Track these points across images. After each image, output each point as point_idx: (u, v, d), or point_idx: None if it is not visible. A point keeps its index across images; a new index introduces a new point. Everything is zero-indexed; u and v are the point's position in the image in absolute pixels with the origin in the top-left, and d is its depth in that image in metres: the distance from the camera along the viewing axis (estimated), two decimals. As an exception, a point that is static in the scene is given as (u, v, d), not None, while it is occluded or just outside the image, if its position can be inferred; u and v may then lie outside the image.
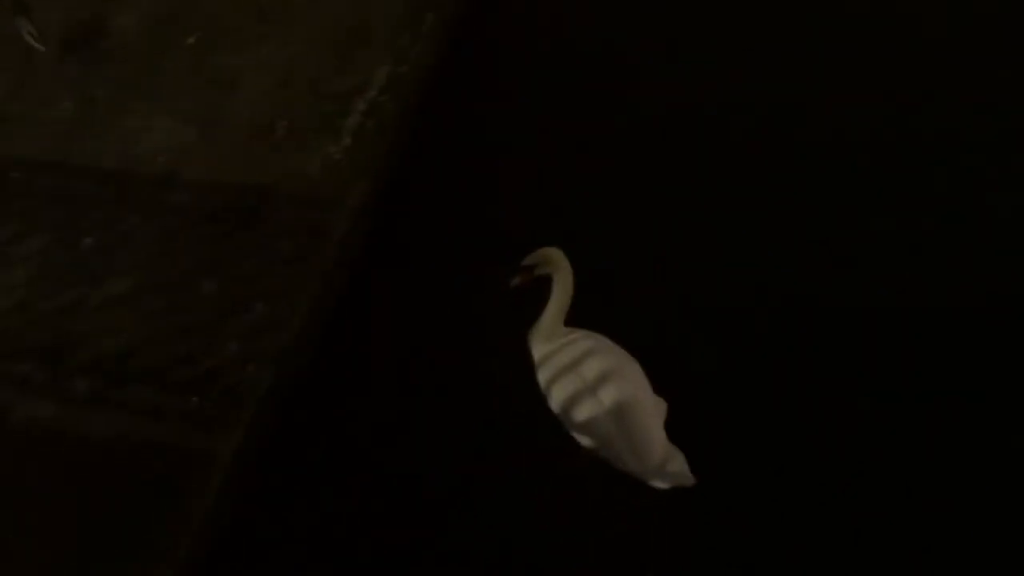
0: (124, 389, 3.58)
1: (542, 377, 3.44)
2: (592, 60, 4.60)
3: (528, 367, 3.45)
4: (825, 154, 4.22)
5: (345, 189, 4.02)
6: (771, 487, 3.40)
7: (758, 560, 3.28)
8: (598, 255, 3.75)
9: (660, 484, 3.26)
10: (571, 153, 4.23)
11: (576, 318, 3.44)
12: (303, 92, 4.32)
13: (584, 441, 3.36)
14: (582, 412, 3.30)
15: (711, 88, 4.46)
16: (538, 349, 3.48)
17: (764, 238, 3.98)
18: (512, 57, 4.58)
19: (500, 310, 3.68)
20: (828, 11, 4.79)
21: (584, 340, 3.41)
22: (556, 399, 3.37)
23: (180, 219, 3.99)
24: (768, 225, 4.02)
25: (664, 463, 3.23)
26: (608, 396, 3.27)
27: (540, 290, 3.46)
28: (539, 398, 3.41)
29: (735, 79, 4.50)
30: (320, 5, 4.65)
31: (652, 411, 3.32)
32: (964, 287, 3.80)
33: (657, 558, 3.32)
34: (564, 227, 3.93)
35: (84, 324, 3.73)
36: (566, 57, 4.59)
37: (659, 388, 3.31)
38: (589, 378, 3.30)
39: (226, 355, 3.64)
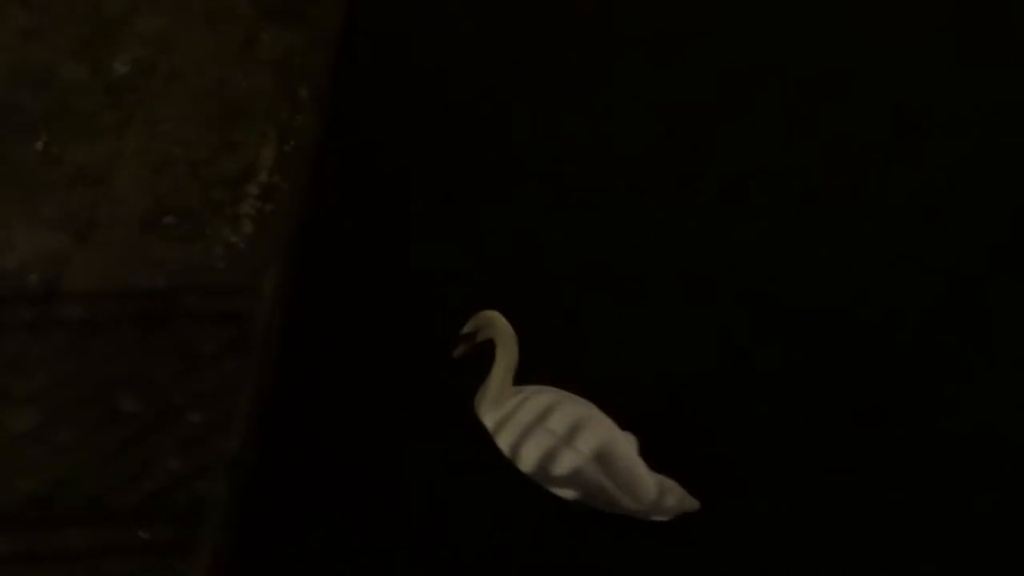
0: (58, 535, 3.13)
1: (505, 442, 3.34)
2: (474, 102, 4.56)
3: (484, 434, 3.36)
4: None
5: (257, 277, 3.73)
6: (761, 503, 3.44)
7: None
8: (534, 308, 3.67)
9: (662, 518, 3.26)
10: (485, 205, 4.15)
11: (521, 376, 3.41)
12: (184, 178, 3.99)
13: (569, 495, 3.29)
14: (562, 466, 3.23)
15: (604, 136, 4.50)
16: (490, 416, 3.39)
17: (701, 281, 4.03)
18: (399, 115, 4.44)
19: (447, 381, 3.54)
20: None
21: (540, 395, 3.37)
22: (528, 460, 3.29)
23: (75, 334, 3.56)
24: (704, 266, 4.08)
25: (660, 496, 3.24)
26: (586, 444, 3.23)
27: (485, 355, 3.39)
28: (503, 464, 3.32)
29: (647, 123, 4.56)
30: (180, 80, 4.32)
31: (631, 449, 3.33)
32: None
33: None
34: (498, 284, 3.84)
35: (-9, 470, 3.26)
36: (452, 105, 4.53)
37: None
38: (559, 431, 3.25)
39: (166, 475, 3.27)
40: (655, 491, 3.22)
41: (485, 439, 3.38)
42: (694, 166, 4.37)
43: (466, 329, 3.41)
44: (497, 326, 3.37)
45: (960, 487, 3.48)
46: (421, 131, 4.40)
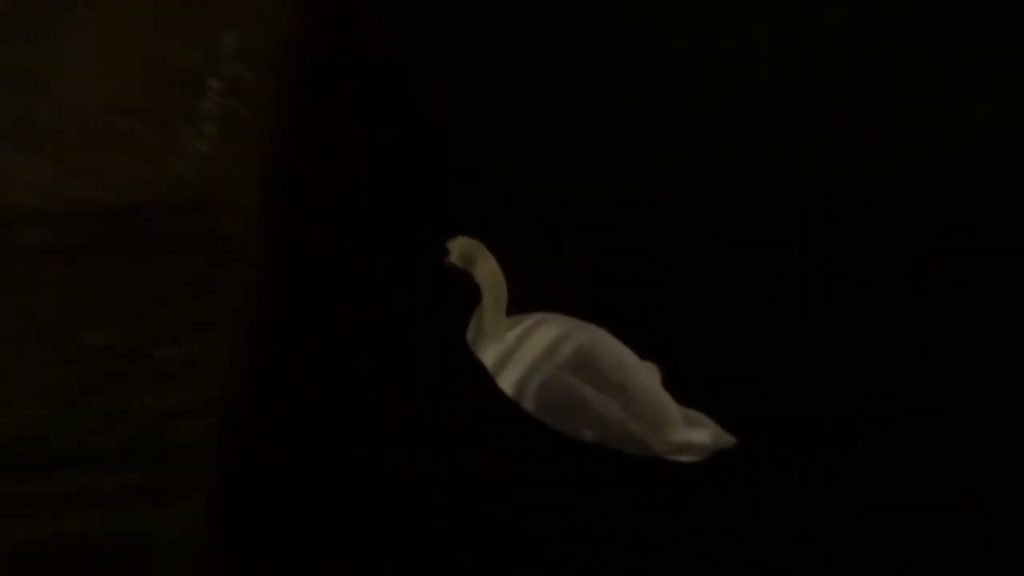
0: (26, 483, 2.79)
1: (508, 379, 3.02)
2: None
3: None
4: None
5: (231, 189, 3.31)
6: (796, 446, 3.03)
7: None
8: (538, 225, 3.33)
9: (690, 457, 2.94)
10: (484, 99, 3.69)
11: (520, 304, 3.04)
12: (139, 77, 3.49)
13: (585, 435, 2.97)
14: (575, 403, 2.93)
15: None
16: (488, 352, 3.05)
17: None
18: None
19: (444, 304, 3.17)
20: None
21: (544, 325, 3.03)
22: (535, 398, 2.97)
23: (27, 263, 3.14)
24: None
25: (690, 432, 2.92)
26: (601, 376, 2.92)
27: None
28: (507, 405, 2.99)
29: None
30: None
31: (654, 380, 3.01)
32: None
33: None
34: (501, 189, 3.42)
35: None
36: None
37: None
38: (570, 364, 2.94)
39: (142, 418, 2.92)
40: (683, 427, 2.90)
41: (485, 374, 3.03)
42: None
43: (452, 258, 3.08)
44: (478, 262, 3.03)
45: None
46: (413, 13, 3.88)
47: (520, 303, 3.09)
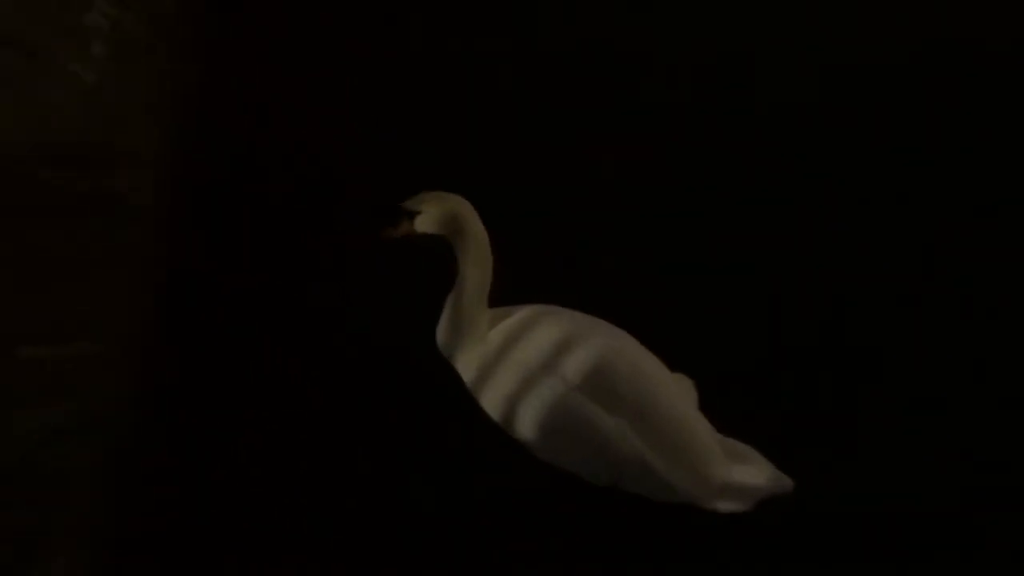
0: None
1: (489, 397, 2.29)
2: None
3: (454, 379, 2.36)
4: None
5: (125, 134, 2.63)
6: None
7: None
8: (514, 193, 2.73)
9: (734, 506, 2.24)
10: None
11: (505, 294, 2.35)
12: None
13: (595, 473, 2.27)
14: (580, 430, 2.20)
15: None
16: (465, 358, 2.33)
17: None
18: None
19: (395, 289, 2.62)
20: None
21: (537, 321, 2.29)
22: (527, 423, 2.24)
23: None
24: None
25: (735, 469, 2.24)
26: (614, 392, 2.20)
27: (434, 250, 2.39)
28: (487, 428, 2.32)
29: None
30: None
31: (686, 400, 2.34)
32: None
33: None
34: (461, 156, 2.82)
35: None
36: None
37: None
38: (574, 376, 2.20)
39: (16, 435, 2.33)
40: (727, 464, 2.23)
41: (456, 387, 2.37)
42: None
43: (409, 204, 2.33)
44: (461, 218, 2.28)
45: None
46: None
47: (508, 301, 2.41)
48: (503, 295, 2.37)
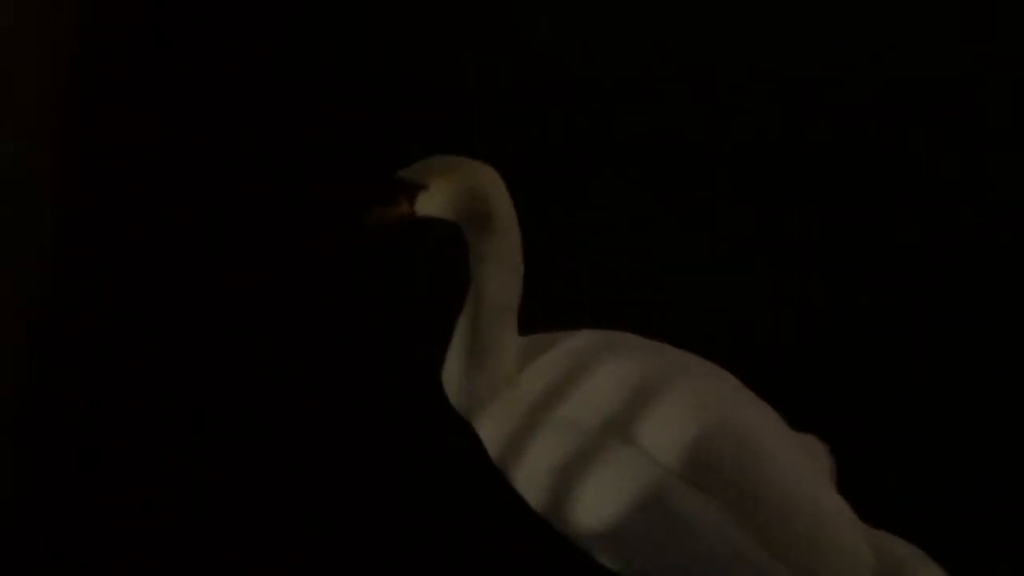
0: None
1: (526, 475, 1.60)
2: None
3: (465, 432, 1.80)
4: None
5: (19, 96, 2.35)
6: None
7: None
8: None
9: None
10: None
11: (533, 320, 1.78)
12: None
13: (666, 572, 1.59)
14: (679, 531, 1.54)
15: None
16: (486, 411, 1.64)
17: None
18: None
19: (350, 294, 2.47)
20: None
21: (603, 359, 1.61)
22: (589, 516, 1.57)
23: None
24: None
25: (874, 565, 1.58)
26: (715, 467, 1.54)
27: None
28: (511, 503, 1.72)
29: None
30: None
31: (817, 474, 1.64)
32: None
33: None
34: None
35: None
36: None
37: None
38: (669, 451, 1.53)
39: None
40: (873, 563, 1.54)
41: (468, 442, 1.79)
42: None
43: (407, 173, 1.60)
44: (485, 196, 1.55)
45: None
46: None
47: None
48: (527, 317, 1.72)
